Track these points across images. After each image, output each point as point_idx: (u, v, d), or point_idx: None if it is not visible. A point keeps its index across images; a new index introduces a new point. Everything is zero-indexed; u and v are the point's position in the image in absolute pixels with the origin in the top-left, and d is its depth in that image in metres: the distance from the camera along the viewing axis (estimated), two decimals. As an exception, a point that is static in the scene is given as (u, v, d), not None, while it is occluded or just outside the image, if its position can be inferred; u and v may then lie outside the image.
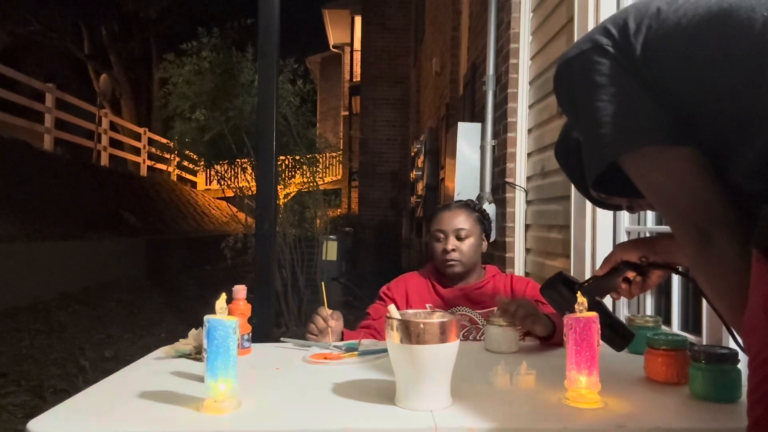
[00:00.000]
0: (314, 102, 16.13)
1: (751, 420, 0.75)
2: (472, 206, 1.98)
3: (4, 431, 3.00)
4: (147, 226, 9.74)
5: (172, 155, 6.74)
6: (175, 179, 14.53)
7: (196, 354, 1.42)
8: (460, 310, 1.84)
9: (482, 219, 1.98)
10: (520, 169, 3.41)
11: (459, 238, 1.89)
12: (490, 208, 3.60)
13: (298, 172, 6.05)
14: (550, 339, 1.57)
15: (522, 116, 3.41)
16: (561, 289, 1.30)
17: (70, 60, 16.83)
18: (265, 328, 2.93)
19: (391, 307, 1.12)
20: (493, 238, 2.82)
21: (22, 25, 15.08)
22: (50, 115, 9.83)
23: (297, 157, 5.92)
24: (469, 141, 3.93)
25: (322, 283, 1.88)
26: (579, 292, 1.13)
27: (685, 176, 0.86)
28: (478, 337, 1.79)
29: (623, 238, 2.32)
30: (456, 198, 3.88)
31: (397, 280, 2.00)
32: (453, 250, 1.87)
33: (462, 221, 1.91)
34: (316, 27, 16.61)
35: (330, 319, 1.62)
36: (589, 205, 2.45)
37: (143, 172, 13.40)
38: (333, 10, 15.04)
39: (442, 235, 1.90)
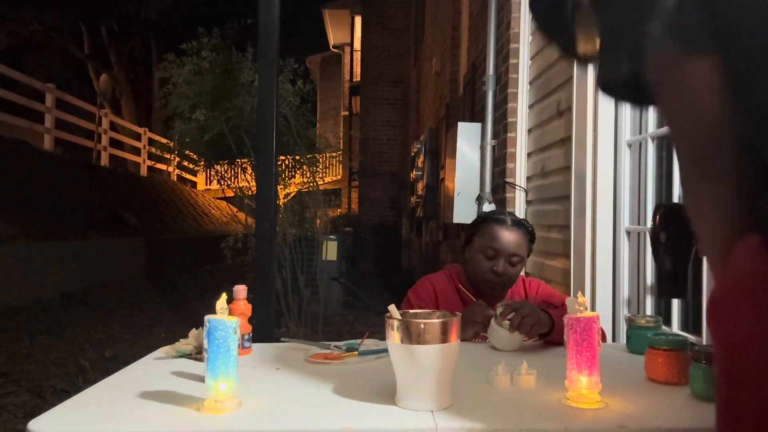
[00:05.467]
0: (314, 102, 16.12)
1: None
2: (526, 226, 1.88)
3: (4, 431, 3.00)
4: (147, 226, 9.74)
5: (172, 155, 6.73)
6: (175, 179, 14.53)
7: (197, 354, 1.42)
8: None
9: (531, 241, 1.89)
10: (520, 169, 3.41)
11: (511, 264, 1.81)
12: (489, 208, 3.60)
13: (298, 172, 6.05)
14: (548, 336, 1.57)
15: (522, 116, 3.41)
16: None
17: (70, 60, 16.84)
18: (265, 328, 2.93)
19: (391, 307, 1.12)
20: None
21: (22, 25, 15.09)
22: (50, 115, 9.82)
23: (297, 157, 5.91)
24: (469, 141, 3.93)
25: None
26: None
27: (705, 101, 0.73)
28: None
29: (623, 237, 2.32)
30: (456, 198, 3.89)
31: (423, 282, 1.91)
32: (503, 274, 1.80)
33: (518, 246, 1.81)
34: (316, 27, 16.63)
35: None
36: (589, 205, 2.45)
37: (143, 172, 13.40)
38: (333, 10, 15.04)
39: (492, 253, 1.80)
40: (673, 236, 1.17)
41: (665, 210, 1.25)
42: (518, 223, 1.86)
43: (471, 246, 1.88)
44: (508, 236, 1.82)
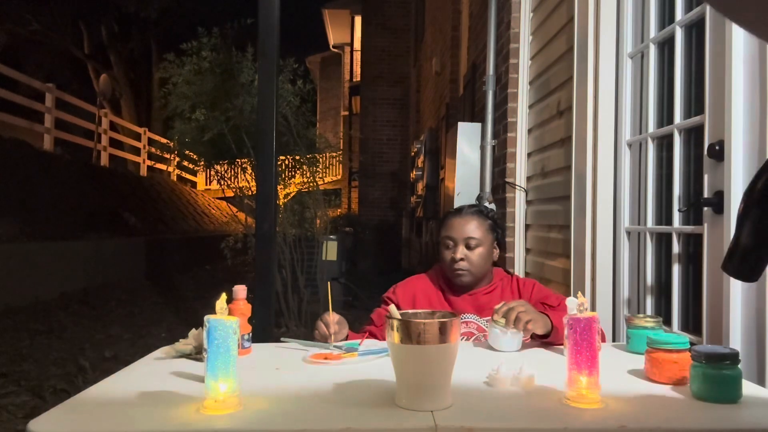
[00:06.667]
0: (314, 102, 16.13)
1: None
2: (485, 213, 1.92)
3: (4, 431, 3.00)
4: (147, 226, 9.74)
5: (172, 155, 6.73)
6: (175, 179, 14.54)
7: (196, 354, 1.42)
8: (468, 317, 1.83)
9: (495, 227, 1.92)
10: (520, 169, 3.41)
11: (468, 247, 1.83)
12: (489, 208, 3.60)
13: (298, 172, 6.04)
14: (548, 337, 1.57)
15: (522, 116, 3.41)
16: None
17: (70, 60, 16.84)
18: (265, 328, 2.93)
19: (392, 307, 1.12)
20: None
21: (22, 25, 15.08)
22: (50, 115, 9.83)
23: (297, 157, 5.91)
24: (469, 141, 3.93)
25: (328, 283, 1.87)
26: None
27: None
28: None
29: (623, 237, 2.32)
30: (456, 198, 3.89)
31: (404, 283, 1.94)
32: (462, 259, 1.82)
33: (473, 229, 1.84)
34: (316, 27, 16.65)
35: (333, 325, 1.60)
36: (589, 204, 2.45)
37: (143, 172, 13.40)
38: (333, 10, 15.05)
39: (451, 243, 1.84)
40: None
41: None
42: (474, 211, 1.91)
43: (439, 245, 1.93)
44: (461, 222, 1.86)
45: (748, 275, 0.99)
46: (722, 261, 1.00)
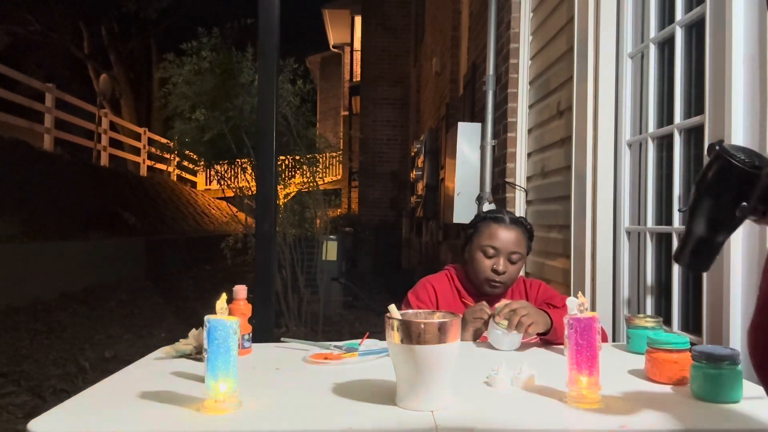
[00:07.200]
0: (314, 102, 16.14)
1: None
2: (524, 224, 1.89)
3: (4, 431, 3.00)
4: (147, 226, 9.74)
5: (172, 155, 6.72)
6: (175, 179, 14.54)
7: (197, 354, 1.42)
8: None
9: (530, 239, 1.90)
10: (520, 169, 3.41)
11: (511, 261, 1.81)
12: (489, 208, 3.60)
13: (298, 172, 6.04)
14: (547, 334, 1.57)
15: (522, 116, 3.41)
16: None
17: (70, 60, 16.84)
18: (265, 328, 2.93)
19: (392, 307, 1.12)
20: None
21: (22, 25, 15.08)
22: (50, 115, 9.83)
23: (297, 157, 5.91)
24: (469, 141, 3.93)
25: None
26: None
27: None
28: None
29: (623, 238, 2.32)
30: (456, 198, 3.88)
31: (423, 284, 1.91)
32: (504, 272, 1.80)
33: (517, 243, 1.82)
34: (316, 27, 16.65)
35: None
36: (589, 204, 2.45)
37: (143, 172, 13.40)
38: (333, 10, 15.06)
39: (492, 251, 1.81)
40: (727, 200, 0.91)
41: (726, 163, 0.91)
42: (516, 221, 1.87)
43: (470, 246, 1.88)
44: (507, 234, 1.83)
45: (701, 266, 0.99)
46: (674, 252, 1.00)
